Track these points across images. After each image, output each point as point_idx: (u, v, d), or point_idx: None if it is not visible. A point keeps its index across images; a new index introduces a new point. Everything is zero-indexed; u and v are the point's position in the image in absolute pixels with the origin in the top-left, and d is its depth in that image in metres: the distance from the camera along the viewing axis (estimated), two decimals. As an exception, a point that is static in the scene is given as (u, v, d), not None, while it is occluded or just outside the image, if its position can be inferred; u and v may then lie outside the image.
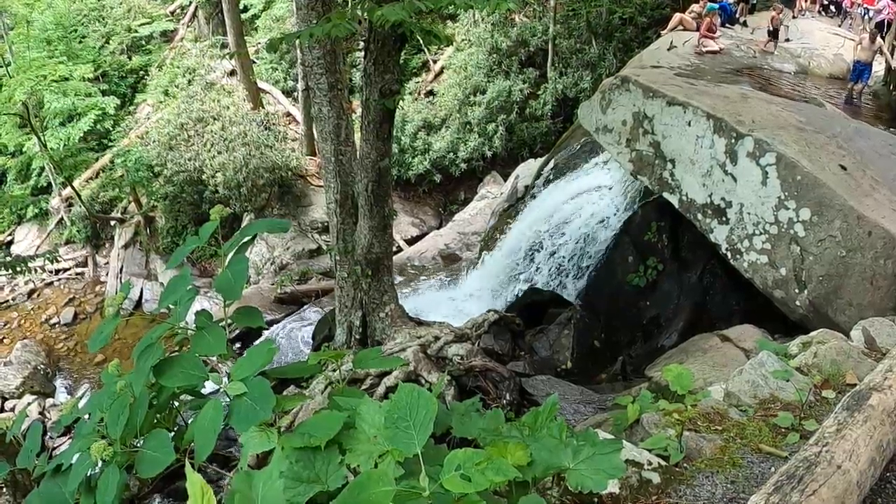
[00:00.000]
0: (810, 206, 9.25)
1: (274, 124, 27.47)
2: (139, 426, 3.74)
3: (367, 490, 2.51)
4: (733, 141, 10.16)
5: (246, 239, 4.29)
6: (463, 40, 28.71)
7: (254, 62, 29.74)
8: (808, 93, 16.64)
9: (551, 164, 17.48)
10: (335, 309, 13.69)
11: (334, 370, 12.82)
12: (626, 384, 11.40)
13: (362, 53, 10.35)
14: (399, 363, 4.74)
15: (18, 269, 15.18)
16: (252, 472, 2.72)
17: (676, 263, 12.28)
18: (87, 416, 4.35)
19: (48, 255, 15.73)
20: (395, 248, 25.40)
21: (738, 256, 10.18)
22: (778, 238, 9.62)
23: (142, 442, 3.79)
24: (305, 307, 22.90)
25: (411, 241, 25.99)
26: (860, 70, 17.26)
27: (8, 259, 15.48)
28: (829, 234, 9.05)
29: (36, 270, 16.16)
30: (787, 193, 9.48)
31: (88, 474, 3.73)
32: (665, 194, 11.33)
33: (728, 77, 17.19)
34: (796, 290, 9.44)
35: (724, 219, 10.37)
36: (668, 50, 19.10)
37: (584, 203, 14.92)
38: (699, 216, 10.74)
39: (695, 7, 20.30)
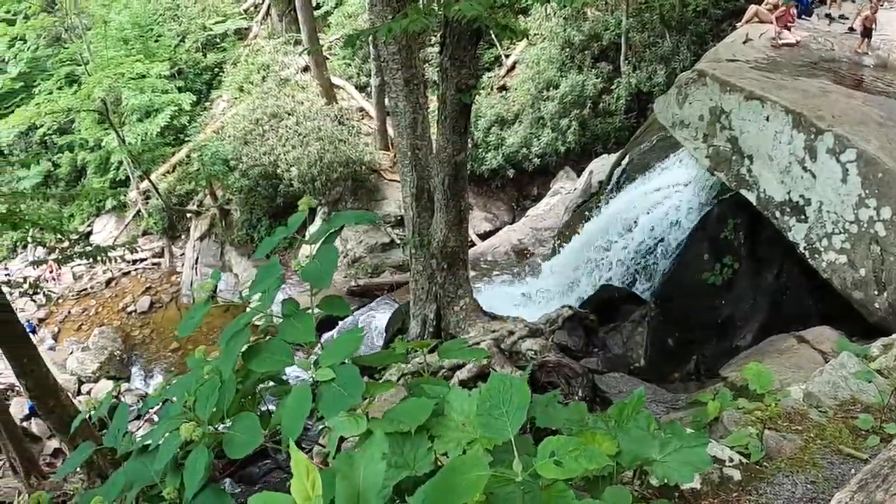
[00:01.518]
0: (892, 204, 9.03)
1: (348, 119, 27.75)
2: (226, 409, 3.77)
3: (461, 475, 2.56)
4: (813, 137, 9.98)
5: (334, 229, 4.34)
6: (535, 35, 28.60)
7: (327, 58, 30.07)
8: (888, 87, 16.23)
9: (626, 161, 17.34)
10: (409, 302, 13.85)
11: (408, 362, 13.04)
12: (699, 384, 11.29)
13: (437, 49, 10.47)
14: (482, 355, 4.78)
15: (99, 257, 15.64)
16: (354, 454, 2.80)
17: (753, 262, 12.06)
18: (173, 399, 4.42)
19: (128, 245, 16.16)
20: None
21: (816, 256, 10.01)
22: (858, 238, 9.42)
23: (228, 424, 3.89)
24: (378, 299, 23.18)
25: (484, 236, 26.03)
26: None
27: (89, 248, 15.94)
28: (912, 235, 8.87)
29: (116, 260, 16.58)
30: (867, 191, 9.28)
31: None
32: (743, 191, 11.18)
33: (805, 70, 16.80)
34: (875, 292, 9.24)
35: (802, 217, 10.20)
36: (744, 43, 18.75)
37: (659, 200, 14.75)
38: (777, 214, 10.58)
39: (770, -2, 19.83)
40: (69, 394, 22.98)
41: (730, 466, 4.17)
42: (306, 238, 4.66)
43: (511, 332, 12.08)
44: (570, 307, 12.90)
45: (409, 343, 4.78)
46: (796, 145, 10.22)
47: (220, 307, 19.31)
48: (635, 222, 14.95)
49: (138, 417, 22.93)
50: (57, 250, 16.95)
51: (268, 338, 4.47)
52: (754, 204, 10.96)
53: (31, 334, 25.93)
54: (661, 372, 12.44)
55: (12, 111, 26.84)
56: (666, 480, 3.08)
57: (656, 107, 13.29)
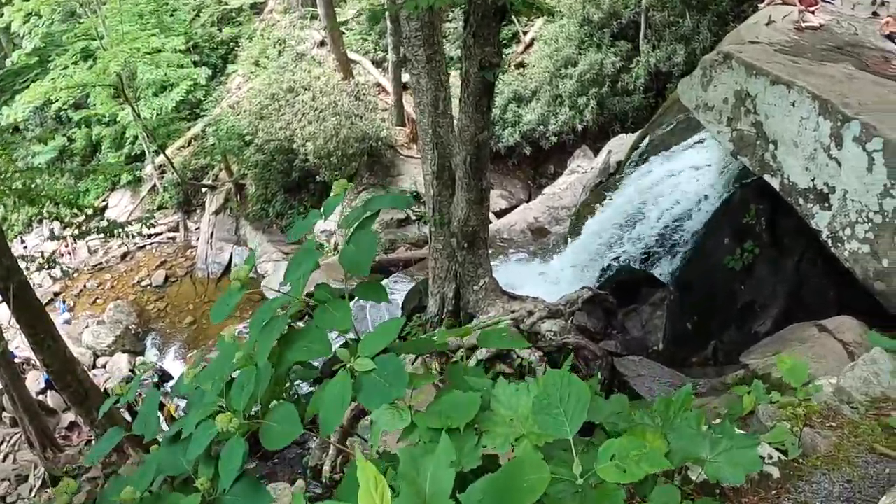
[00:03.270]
0: (919, 195, 9.00)
1: (364, 94, 27.66)
2: (260, 398, 3.72)
3: (523, 476, 2.57)
4: (839, 124, 9.87)
5: (370, 213, 4.20)
6: (554, 11, 28.40)
7: (343, 33, 29.94)
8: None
9: (647, 141, 17.26)
10: (428, 280, 13.86)
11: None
12: (717, 369, 11.31)
13: (461, 26, 10.40)
14: (522, 344, 4.72)
15: (116, 233, 15.74)
16: (417, 454, 2.75)
17: (774, 248, 12.00)
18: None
19: (145, 220, 16.23)
20: (483, 221, 25.59)
21: (839, 245, 9.94)
22: (882, 227, 9.34)
23: (263, 413, 3.82)
24: (393, 275, 23.20)
25: (500, 214, 25.99)
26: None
27: (105, 223, 16.01)
28: (937, 226, 8.80)
29: (133, 235, 16.66)
30: (893, 181, 9.17)
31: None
32: (766, 176, 11.09)
33: (830, 55, 16.65)
34: (898, 284, 9.21)
35: (826, 204, 10.12)
36: (767, 25, 18.55)
37: (680, 181, 14.69)
38: (801, 201, 10.50)
39: (794, -20, 19.55)
40: (84, 367, 23.22)
41: (769, 464, 4.18)
42: (340, 220, 4.53)
43: (530, 313, 12.06)
44: (589, 288, 12.86)
45: (445, 332, 4.74)
46: (822, 132, 10.11)
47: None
48: (655, 205, 14.90)
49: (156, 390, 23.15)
50: (74, 225, 17.01)
51: (302, 324, 4.36)
52: (778, 190, 10.87)
53: (66, 313, 26.33)
54: (680, 356, 12.45)
55: (28, 86, 26.83)
56: (717, 480, 3.08)
57: (680, 88, 13.17)
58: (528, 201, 26.33)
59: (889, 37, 17.35)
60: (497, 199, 26.75)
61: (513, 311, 12.17)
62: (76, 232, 16.83)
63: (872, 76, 11.74)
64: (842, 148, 9.89)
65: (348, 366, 3.56)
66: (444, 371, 12.90)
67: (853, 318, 9.53)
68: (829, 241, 10.13)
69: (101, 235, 16.72)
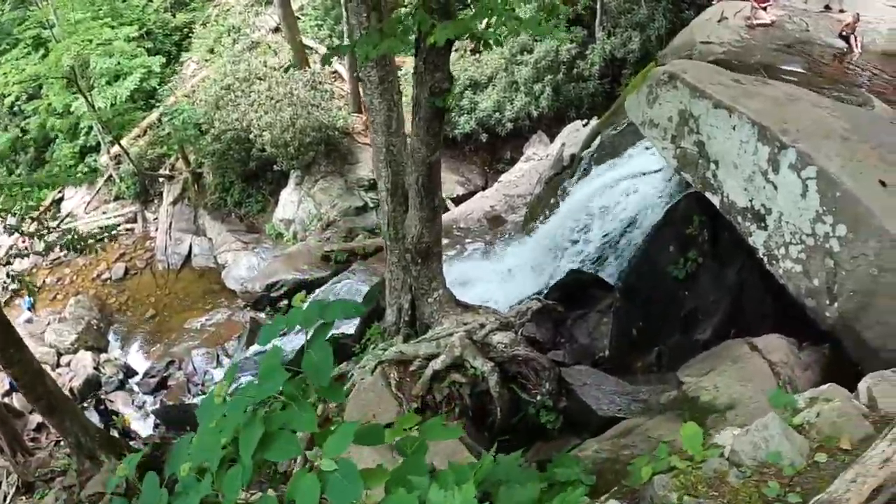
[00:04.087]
0: (847, 222, 9.40)
1: (320, 83, 27.69)
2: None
3: None
4: (776, 150, 10.28)
5: (327, 322, 4.53)
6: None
7: (299, 19, 29.84)
8: (858, 78, 16.48)
9: (598, 141, 17.62)
10: (385, 290, 14.18)
11: (384, 349, 13.44)
12: (659, 376, 11.79)
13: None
14: (455, 434, 5.08)
15: (78, 247, 15.83)
16: None
17: (716, 259, 12.46)
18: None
19: (108, 230, 16.36)
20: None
21: (774, 262, 10.42)
22: (813, 250, 9.82)
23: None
24: (354, 268, 23.44)
25: (457, 201, 26.32)
26: (917, 47, 16.92)
27: (68, 237, 16.07)
28: (862, 253, 9.21)
29: (95, 251, 16.76)
30: (825, 208, 9.65)
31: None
32: (707, 194, 11.51)
33: (779, 55, 17.06)
34: (827, 302, 9.67)
35: (763, 224, 10.58)
36: (719, 22, 18.84)
37: (629, 187, 15.09)
38: (739, 219, 10.95)
39: (746, -26, 19.76)
40: (50, 366, 23.29)
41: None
42: (296, 318, 4.76)
43: (482, 325, 12.44)
44: (538, 299, 13.30)
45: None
46: (760, 156, 10.53)
47: (195, 272, 19.93)
48: (605, 208, 15.30)
49: (120, 388, 23.30)
50: (30, 220, 16.99)
51: (279, 429, 4.63)
52: (718, 207, 11.32)
53: (28, 311, 26.20)
54: (625, 362, 12.93)
55: (-21, 78, 26.63)
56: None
57: (627, 104, 13.51)
58: (485, 188, 26.67)
59: (844, 37, 17.76)
60: (454, 186, 27.07)
61: (466, 323, 12.54)
62: (32, 230, 16.85)
63: (815, 96, 12.11)
64: (778, 173, 10.33)
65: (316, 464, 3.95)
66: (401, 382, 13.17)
67: (783, 336, 10.04)
68: (765, 259, 10.61)
69: (72, 251, 16.69)
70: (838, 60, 17.57)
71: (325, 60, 10.07)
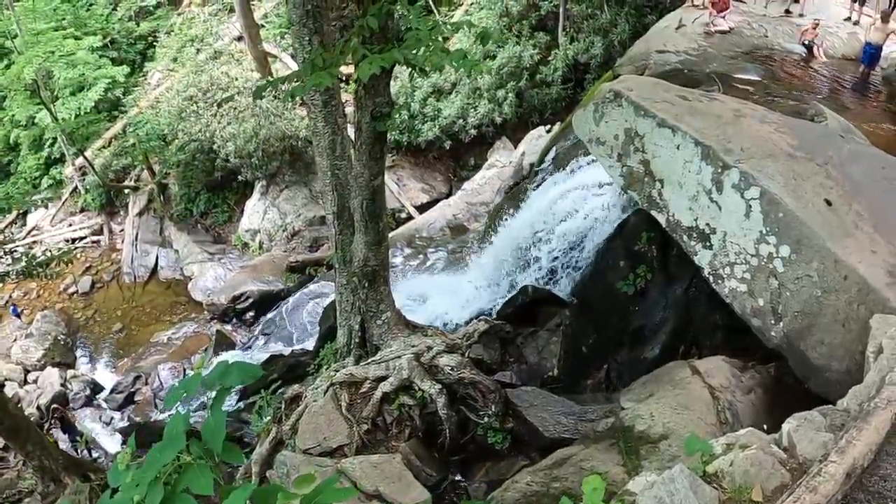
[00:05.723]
0: (790, 243, 9.39)
1: (282, 96, 27.51)
2: None
3: None
4: (720, 171, 10.26)
5: (224, 388, 4.55)
6: (473, 3, 28.45)
7: (263, 26, 29.67)
8: (816, 84, 16.52)
9: (553, 153, 17.58)
10: (336, 311, 14.11)
11: (336, 371, 13.37)
12: (608, 395, 11.79)
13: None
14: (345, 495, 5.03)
15: (35, 273, 15.74)
16: None
17: (664, 275, 12.46)
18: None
19: (63, 255, 16.23)
20: (404, 216, 25.79)
21: (719, 281, 10.38)
22: (758, 270, 9.80)
23: None
24: (317, 280, 23.36)
25: (421, 208, 26.25)
26: (871, 53, 16.94)
27: (22, 264, 15.94)
28: (806, 274, 9.21)
29: (52, 276, 16.64)
30: (768, 228, 9.63)
31: None
32: (653, 212, 11.45)
33: (736, 63, 17.08)
34: (772, 322, 9.65)
35: (707, 244, 10.54)
36: (677, 30, 18.87)
37: (582, 199, 15.04)
38: (685, 238, 10.90)
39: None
40: (17, 383, 23.05)
41: None
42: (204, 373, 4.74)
43: (430, 348, 12.48)
44: (486, 320, 13.29)
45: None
46: (704, 176, 10.50)
47: (162, 284, 19.90)
48: (558, 222, 15.25)
49: (88, 404, 23.06)
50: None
51: (181, 491, 4.60)
52: (664, 226, 11.27)
53: (16, 317, 25.97)
54: (575, 379, 12.93)
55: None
56: None
57: (574, 121, 13.45)
58: (449, 194, 26.64)
59: (807, 45, 17.75)
60: (418, 194, 27.04)
61: (413, 346, 12.55)
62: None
63: (762, 111, 12.08)
64: (722, 193, 10.30)
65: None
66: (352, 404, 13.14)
67: (726, 359, 10.03)
68: (711, 278, 10.57)
69: (19, 271, 16.55)
70: (797, 67, 17.63)
71: (257, 95, 9.89)
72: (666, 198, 11.21)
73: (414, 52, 8.32)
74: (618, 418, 9.32)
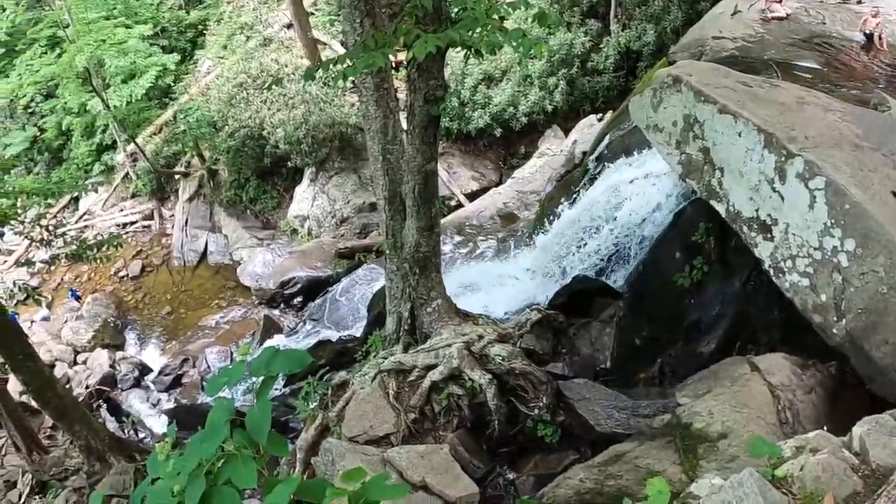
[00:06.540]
0: (856, 237, 9.02)
1: (333, 78, 27.42)
2: None
3: None
4: (783, 159, 9.89)
5: (270, 376, 4.42)
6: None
7: (312, 14, 29.63)
8: (875, 72, 15.97)
9: (606, 141, 17.24)
10: (386, 297, 13.98)
11: (384, 358, 13.26)
12: (661, 390, 11.49)
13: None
14: (396, 493, 4.89)
15: (85, 256, 15.92)
16: None
17: (722, 268, 12.10)
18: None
19: (114, 242, 16.34)
20: (454, 204, 25.61)
21: (780, 275, 10.03)
22: (821, 264, 9.44)
23: None
24: (366, 266, 23.30)
25: (471, 196, 26.06)
26: (935, 41, 16.37)
27: (74, 247, 16.13)
28: (871, 269, 8.84)
29: (103, 260, 16.79)
30: (833, 221, 9.26)
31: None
32: (712, 202, 11.12)
33: (793, 51, 16.57)
34: (834, 319, 9.29)
35: (769, 236, 10.19)
36: (732, 15, 18.39)
37: (636, 190, 14.71)
38: (745, 229, 10.56)
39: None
40: (67, 364, 23.38)
41: None
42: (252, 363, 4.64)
43: (481, 337, 12.27)
44: (538, 310, 13.07)
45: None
46: (767, 165, 10.13)
47: (211, 269, 20.08)
48: (612, 212, 14.94)
49: (135, 385, 23.33)
50: (46, 218, 17.03)
51: (223, 484, 4.52)
52: (723, 216, 10.93)
53: (75, 300, 26.45)
54: (627, 373, 12.65)
55: (-5, 78, 26.82)
56: None
57: (631, 107, 13.11)
58: (499, 183, 26.38)
59: (867, 34, 17.17)
60: (468, 181, 26.84)
61: (464, 335, 12.36)
62: (42, 237, 16.86)
63: (826, 99, 11.66)
64: (785, 183, 9.93)
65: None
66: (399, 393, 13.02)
67: (787, 356, 9.69)
68: (771, 271, 10.22)
69: (70, 255, 16.75)
70: (856, 56, 17.08)
71: (308, 76, 9.74)
72: (726, 187, 10.86)
73: (470, 32, 8.13)
74: (674, 415, 9.05)
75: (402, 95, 14.18)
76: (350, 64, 8.71)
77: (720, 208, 11.00)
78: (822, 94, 12.27)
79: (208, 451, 4.25)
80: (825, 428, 6.72)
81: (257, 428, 4.33)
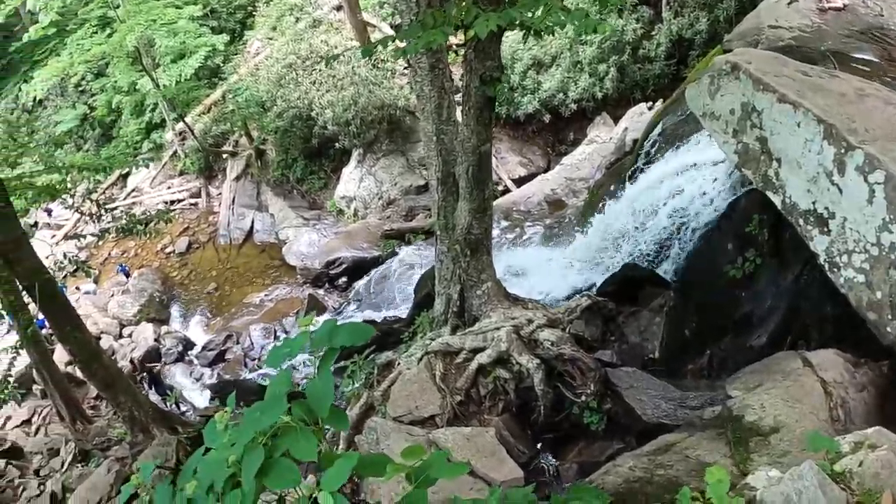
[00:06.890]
0: (915, 233, 8.90)
1: (382, 61, 27.52)
2: None
3: None
4: (843, 151, 9.71)
5: (332, 349, 4.41)
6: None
7: (361, -5, 29.74)
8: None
9: (659, 128, 17.06)
10: (435, 279, 14.02)
11: (431, 339, 13.31)
12: (709, 383, 11.36)
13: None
14: (456, 471, 4.90)
15: (135, 230, 16.16)
16: None
17: (775, 261, 11.90)
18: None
19: (162, 217, 16.57)
20: (501, 189, 25.59)
21: (835, 270, 9.87)
22: (877, 260, 9.26)
23: None
24: (411, 246, 23.41)
25: (519, 182, 26.06)
26: None
27: (123, 221, 16.38)
28: (931, 267, 8.72)
29: (150, 234, 17.02)
30: (892, 216, 9.06)
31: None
32: (768, 192, 10.95)
33: (850, 42, 16.26)
34: (889, 317, 9.10)
35: (825, 229, 10.03)
36: (788, 5, 18.12)
37: (690, 177, 14.55)
38: (801, 221, 10.40)
39: (817, -43, 18.89)
40: (112, 336, 23.80)
41: None
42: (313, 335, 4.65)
43: (530, 321, 12.26)
44: (588, 296, 12.98)
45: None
46: (826, 157, 9.95)
47: (256, 247, 20.38)
48: (665, 201, 14.80)
49: (179, 360, 23.70)
50: (92, 205, 17.29)
51: (281, 455, 4.54)
52: (779, 208, 10.77)
53: (124, 275, 26.98)
54: (675, 363, 12.51)
55: (48, 56, 27.10)
56: None
57: (687, 94, 12.93)
58: (547, 169, 26.32)
59: None
60: (516, 167, 26.79)
61: (513, 318, 12.35)
62: (91, 211, 17.14)
63: (886, 93, 11.42)
64: (844, 175, 9.75)
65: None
66: (446, 374, 13.01)
67: (839, 352, 9.53)
68: (826, 265, 10.05)
69: (126, 234, 17.05)
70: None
71: (366, 53, 9.75)
72: (783, 178, 10.70)
73: (531, 11, 8.09)
74: (725, 407, 8.95)
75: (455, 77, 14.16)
76: (409, 42, 8.69)
77: (776, 200, 10.84)
78: (883, 86, 12.03)
79: (267, 422, 4.25)
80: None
81: (319, 400, 4.31)
